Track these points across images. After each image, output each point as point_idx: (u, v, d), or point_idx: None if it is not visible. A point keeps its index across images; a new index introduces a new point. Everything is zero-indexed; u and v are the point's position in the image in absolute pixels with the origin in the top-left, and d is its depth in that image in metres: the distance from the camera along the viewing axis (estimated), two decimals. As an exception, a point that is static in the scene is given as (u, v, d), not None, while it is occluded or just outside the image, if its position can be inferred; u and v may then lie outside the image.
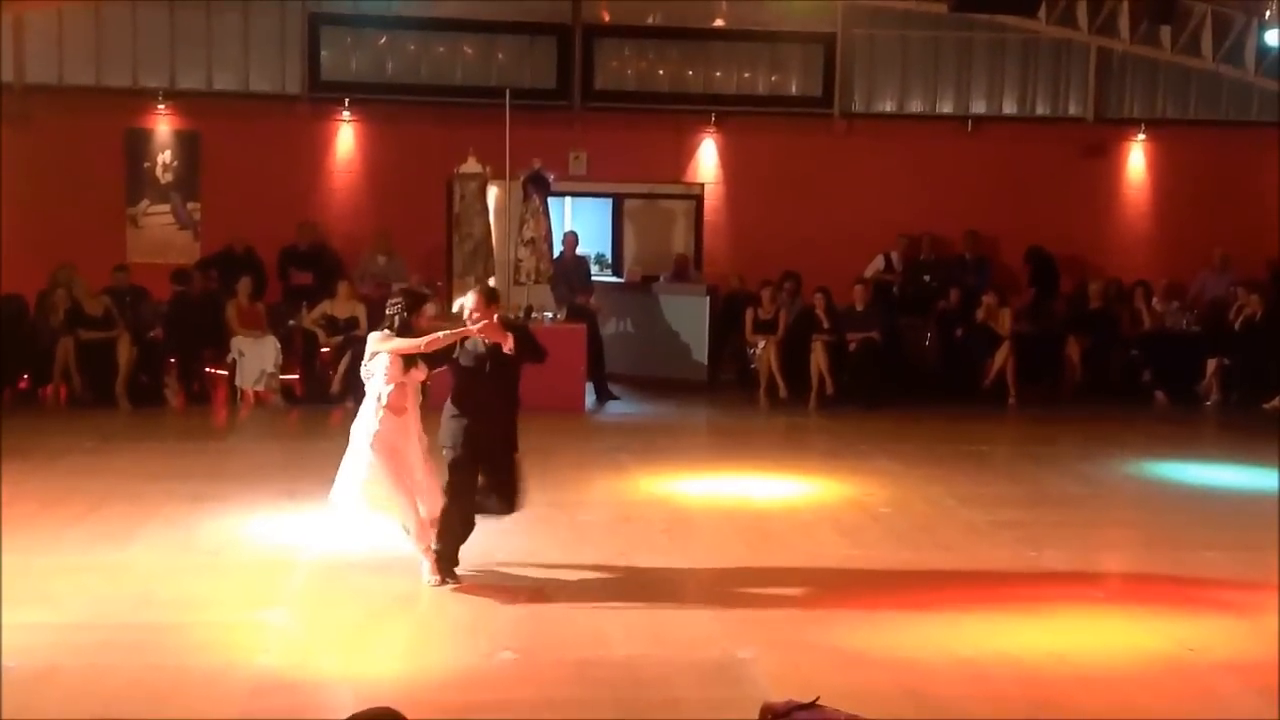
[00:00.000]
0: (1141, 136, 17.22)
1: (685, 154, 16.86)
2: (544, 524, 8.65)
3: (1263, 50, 16.04)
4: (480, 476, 7.63)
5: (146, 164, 16.02)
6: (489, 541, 8.53)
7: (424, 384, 7.76)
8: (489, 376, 7.63)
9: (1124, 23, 16.52)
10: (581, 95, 16.48)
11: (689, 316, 15.69)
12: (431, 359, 7.59)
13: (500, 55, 16.46)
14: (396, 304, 7.70)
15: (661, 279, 16.41)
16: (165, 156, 16.05)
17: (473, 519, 7.63)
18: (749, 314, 15.18)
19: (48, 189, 15.21)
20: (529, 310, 14.43)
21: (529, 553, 8.17)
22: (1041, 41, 16.98)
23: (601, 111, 16.46)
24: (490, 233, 14.91)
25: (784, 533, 9.00)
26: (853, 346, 14.67)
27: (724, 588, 7.71)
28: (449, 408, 7.61)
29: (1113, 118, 17.18)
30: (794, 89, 17.01)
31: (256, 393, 13.95)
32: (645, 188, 17.13)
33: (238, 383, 13.95)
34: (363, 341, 14.18)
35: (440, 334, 7.59)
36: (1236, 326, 15.37)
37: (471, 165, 14.70)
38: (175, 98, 15.93)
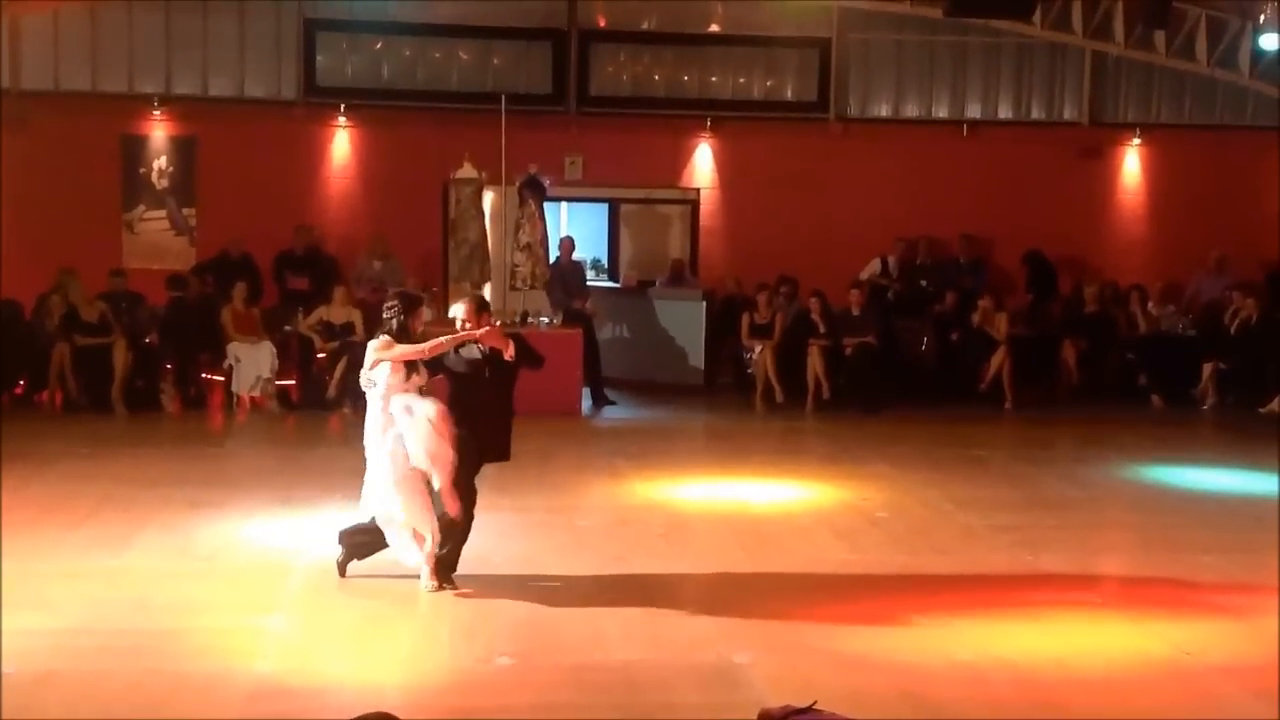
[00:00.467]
0: (1137, 140, 17.24)
1: (681, 158, 16.87)
2: (541, 528, 8.65)
3: (1257, 54, 16.07)
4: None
5: (142, 169, 16.01)
6: (487, 546, 8.53)
7: (420, 389, 7.75)
8: (487, 383, 7.62)
9: (1119, 26, 16.55)
10: (577, 100, 16.49)
11: (685, 321, 15.70)
12: (432, 364, 7.58)
13: (496, 60, 16.47)
14: (393, 307, 7.66)
15: (657, 283, 16.42)
16: (161, 162, 16.05)
17: (470, 525, 7.62)
18: (745, 318, 15.19)
19: (44, 194, 15.20)
20: (525, 315, 14.44)
21: (526, 557, 8.16)
22: (1036, 45, 17.00)
23: (597, 116, 16.47)
24: (486, 237, 14.91)
25: (781, 537, 9.00)
26: (849, 350, 14.68)
27: (721, 592, 7.71)
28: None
29: (1108, 121, 17.20)
30: (789, 93, 17.03)
31: (253, 398, 13.94)
32: (641, 192, 17.14)
33: (234, 388, 13.94)
34: (359, 346, 14.25)
35: (444, 338, 7.58)
36: (1232, 330, 15.38)
37: (467, 170, 14.70)
38: (171, 103, 15.93)
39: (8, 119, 15.16)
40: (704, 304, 15.67)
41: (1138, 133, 17.20)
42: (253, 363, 13.92)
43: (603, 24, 16.54)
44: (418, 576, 7.58)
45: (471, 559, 8.21)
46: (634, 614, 7.28)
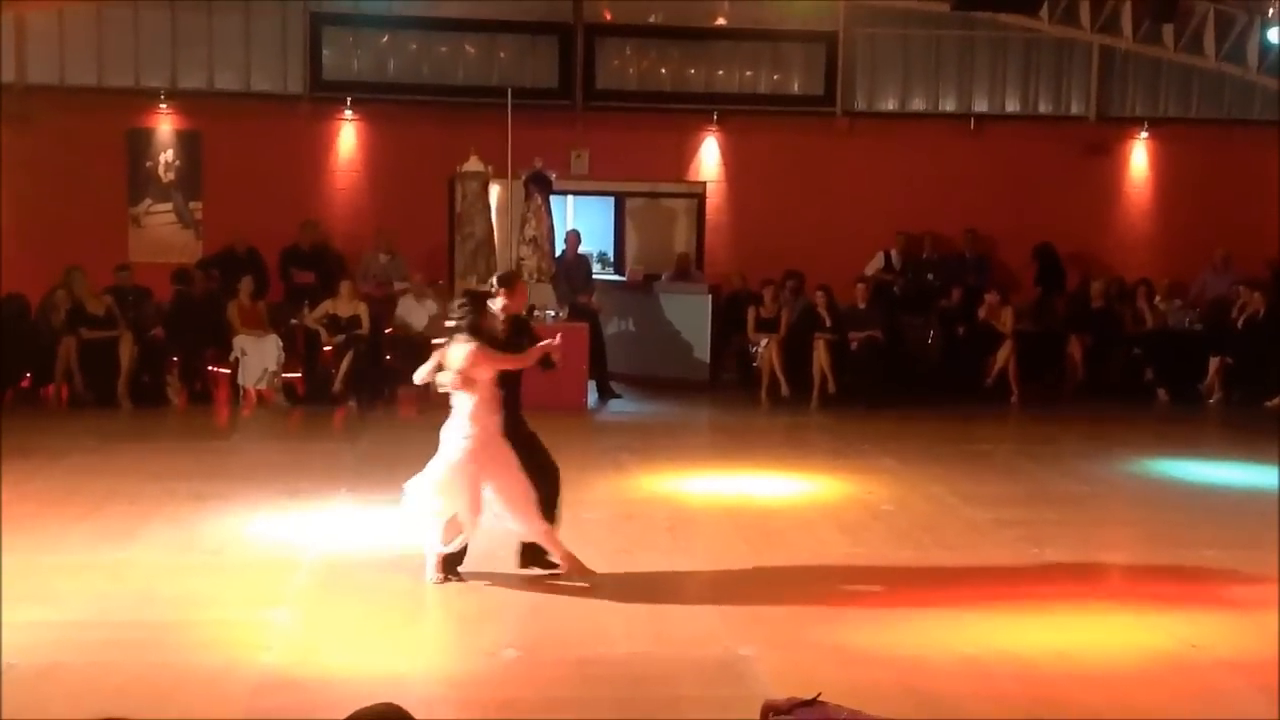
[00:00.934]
0: (1144, 135, 17.21)
1: (687, 153, 16.86)
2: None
3: (1265, 48, 16.02)
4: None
5: (148, 164, 16.03)
6: (491, 540, 8.54)
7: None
8: (519, 384, 7.75)
9: (1126, 21, 16.51)
10: (583, 94, 16.48)
11: (691, 315, 15.69)
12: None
13: (502, 54, 16.46)
14: (463, 306, 7.58)
15: (663, 278, 16.41)
16: (167, 156, 16.06)
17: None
18: (751, 313, 15.19)
19: (49, 189, 15.23)
20: (530, 309, 14.43)
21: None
22: (1044, 40, 16.97)
23: (603, 110, 16.46)
24: (492, 232, 14.92)
25: (786, 531, 9.00)
26: (855, 345, 14.67)
27: (726, 586, 7.71)
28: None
29: (1115, 116, 17.17)
30: (796, 88, 17.01)
31: (258, 392, 13.95)
32: (647, 186, 17.13)
33: (240, 382, 13.95)
34: (364, 340, 14.32)
35: (536, 349, 7.70)
36: (1239, 325, 15.36)
37: (473, 164, 14.71)
38: (177, 97, 15.94)
39: (13, 114, 15.18)
40: (709, 298, 15.66)
41: (1145, 127, 17.17)
42: (259, 356, 13.94)
43: (608, 18, 16.52)
44: (423, 570, 7.59)
45: (476, 553, 8.22)
46: (639, 608, 7.29)
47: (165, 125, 16.07)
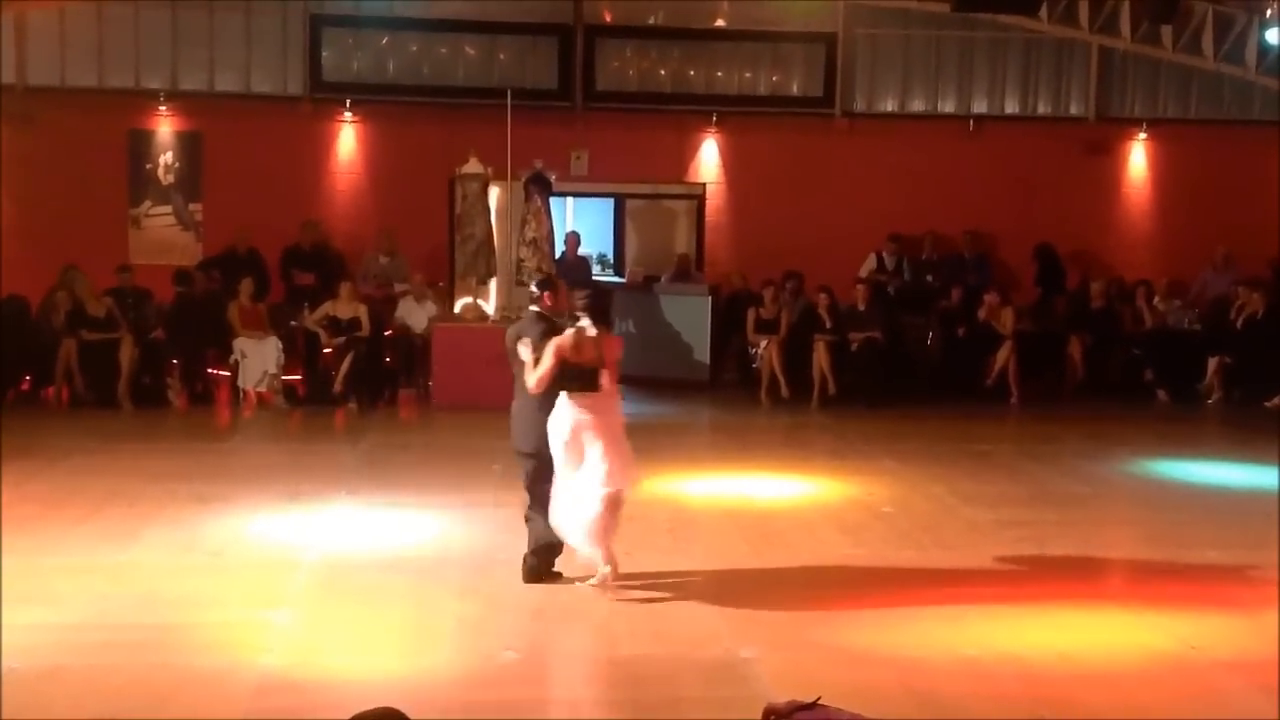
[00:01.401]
0: (1143, 135, 17.21)
1: (687, 154, 16.86)
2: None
3: (1264, 49, 16.02)
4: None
5: (148, 165, 16.03)
6: (492, 541, 8.55)
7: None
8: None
9: (1125, 22, 16.50)
10: (583, 95, 16.48)
11: (691, 316, 15.69)
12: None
13: (502, 55, 16.46)
14: (590, 297, 7.68)
15: (663, 279, 16.41)
16: (167, 157, 16.07)
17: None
18: (751, 314, 15.19)
19: (50, 190, 15.24)
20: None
21: (532, 552, 8.16)
22: (1043, 41, 16.97)
23: (603, 111, 16.46)
24: (492, 233, 14.92)
25: (786, 532, 9.00)
26: (855, 346, 14.67)
27: (727, 587, 7.71)
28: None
29: (1114, 117, 17.17)
30: (795, 89, 17.01)
31: (259, 393, 13.95)
32: (647, 188, 17.13)
33: (240, 383, 13.96)
34: (364, 341, 14.35)
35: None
36: (1238, 325, 15.36)
37: (473, 165, 14.71)
38: (177, 98, 15.94)
39: (13, 115, 15.19)
40: (709, 299, 15.66)
41: (1144, 128, 17.16)
42: (259, 358, 13.94)
43: (608, 19, 16.52)
44: (415, 570, 7.60)
45: (478, 555, 8.24)
46: (639, 609, 7.30)
47: (165, 126, 16.07)
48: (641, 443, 12.15)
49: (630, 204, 17.34)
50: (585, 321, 7.51)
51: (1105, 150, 17.15)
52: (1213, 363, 15.15)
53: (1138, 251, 17.05)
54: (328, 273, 15.10)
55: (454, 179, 15.24)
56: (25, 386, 14.02)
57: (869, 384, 14.47)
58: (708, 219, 16.94)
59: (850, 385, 14.54)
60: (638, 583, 7.69)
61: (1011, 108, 17.12)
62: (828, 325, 14.79)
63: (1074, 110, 17.14)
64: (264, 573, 7.79)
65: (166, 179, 16.07)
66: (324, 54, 16.19)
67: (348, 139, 16.36)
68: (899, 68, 16.96)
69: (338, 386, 13.93)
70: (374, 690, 5.90)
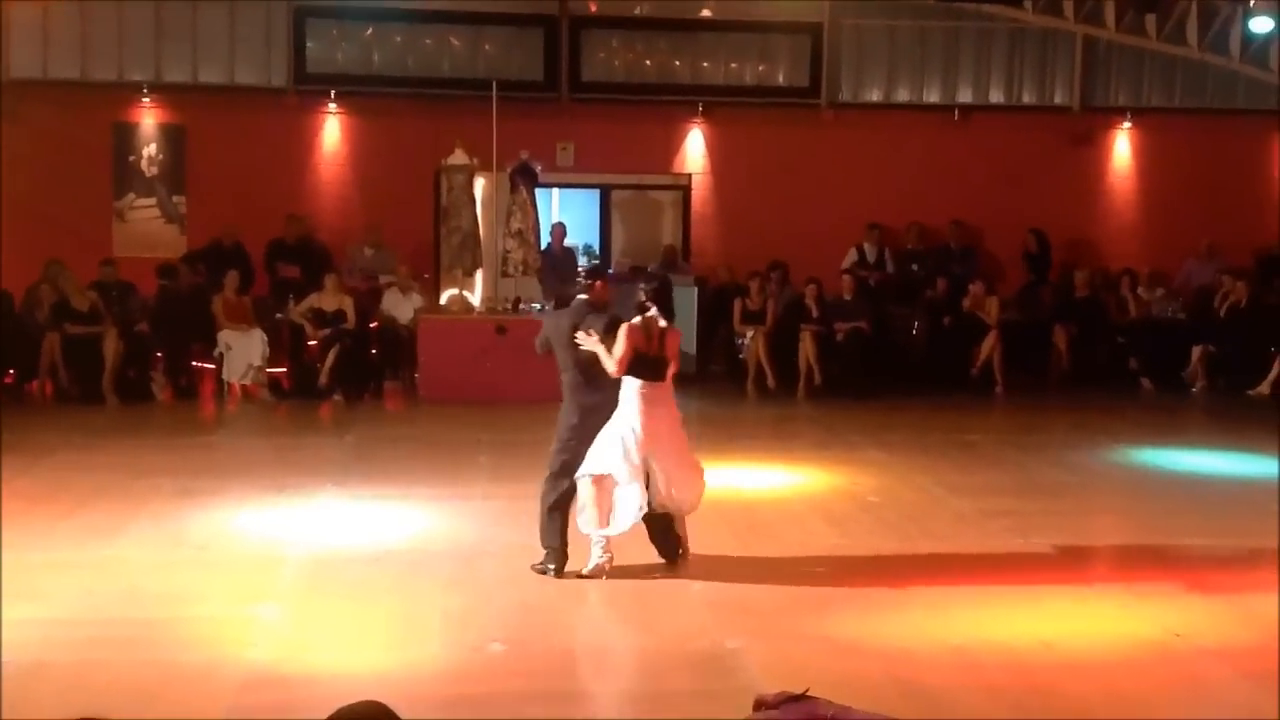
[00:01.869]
0: (1127, 125, 17.24)
1: (673, 145, 16.85)
2: (535, 517, 8.62)
3: (1248, 38, 16.07)
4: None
5: (132, 158, 15.96)
6: (479, 533, 8.56)
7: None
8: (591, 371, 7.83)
9: (1110, 11, 16.54)
10: (569, 86, 16.45)
11: (677, 307, 15.56)
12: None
13: (487, 47, 16.42)
14: (653, 287, 7.84)
15: (650, 270, 16.38)
16: (151, 150, 16.00)
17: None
18: (737, 305, 15.19)
19: (33, 183, 15.14)
20: (516, 302, 14.44)
21: (520, 545, 8.15)
22: (1028, 31, 16.98)
23: (589, 103, 16.43)
24: (478, 225, 14.90)
25: (773, 523, 9.01)
26: (841, 336, 14.69)
27: (714, 578, 7.72)
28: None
29: (1099, 106, 17.19)
30: (781, 79, 17.00)
31: (244, 387, 13.92)
32: (633, 179, 17.11)
33: (225, 377, 13.92)
34: (350, 334, 14.34)
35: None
36: (1222, 314, 15.43)
37: (459, 157, 14.68)
38: (161, 91, 15.87)
39: (-2, 109, 15.12)
40: (696, 290, 15.65)
41: (1128, 117, 17.19)
42: (244, 351, 13.90)
43: (594, 10, 16.47)
44: (402, 563, 7.58)
45: (465, 547, 8.24)
46: (626, 601, 7.31)
47: (149, 119, 16.00)
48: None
49: (616, 195, 17.32)
50: (654, 310, 7.61)
51: (1090, 140, 17.18)
52: (1197, 352, 15.20)
53: (1122, 241, 17.09)
54: (313, 265, 15.06)
55: (439, 171, 15.21)
56: (9, 381, 13.95)
57: (855, 374, 14.49)
58: (694, 210, 16.93)
59: (836, 376, 14.56)
60: (625, 574, 7.69)
61: (997, 98, 17.12)
62: (815, 316, 14.80)
63: (1059, 100, 17.16)
64: (250, 567, 7.77)
65: (150, 171, 16.00)
66: (308, 46, 16.13)
67: (332, 131, 16.32)
68: (884, 58, 16.96)
69: (323, 379, 13.90)
70: (361, 684, 5.88)
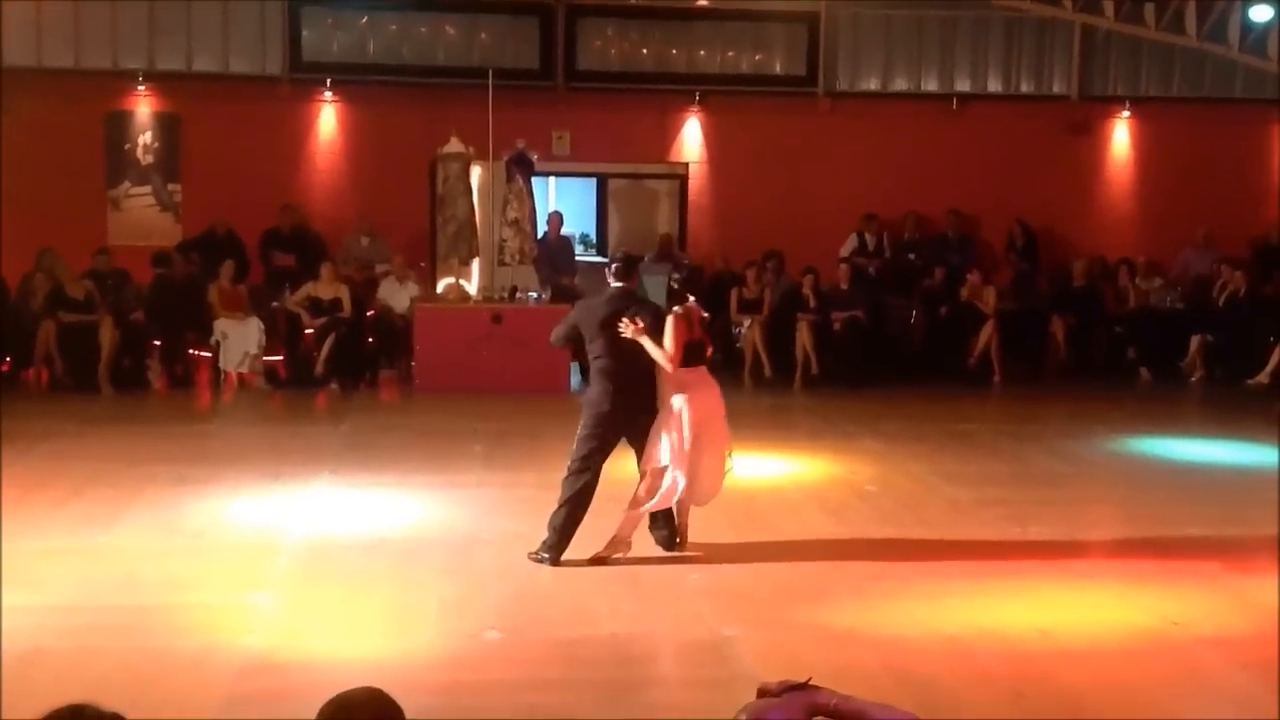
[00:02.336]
0: (1125, 114, 17.22)
1: (669, 134, 16.81)
2: (530, 505, 8.63)
3: (1246, 27, 16.04)
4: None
5: (127, 146, 15.91)
6: (477, 522, 8.55)
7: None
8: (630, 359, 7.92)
9: (1108, 0, 16.50)
10: (565, 75, 16.41)
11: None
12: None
13: (483, 35, 16.36)
14: (684, 278, 8.06)
15: (646, 259, 16.35)
16: (145, 138, 15.95)
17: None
18: (734, 294, 15.17)
19: (28, 172, 15.07)
20: (513, 291, 14.41)
21: (515, 533, 8.16)
22: (1026, 19, 16.94)
23: (585, 91, 16.39)
24: (474, 214, 14.85)
25: (770, 512, 9.01)
26: (837, 326, 14.68)
27: (710, 566, 7.72)
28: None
29: (1097, 95, 17.16)
30: (778, 68, 16.95)
31: (240, 375, 13.90)
32: (629, 168, 17.08)
33: (221, 365, 13.90)
34: (346, 323, 14.32)
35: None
36: (1220, 303, 15.42)
37: (454, 146, 14.64)
38: (155, 79, 15.81)
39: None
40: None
41: (1127, 106, 17.16)
42: (240, 339, 13.88)
43: (590, -4, 16.45)
44: (397, 551, 7.57)
45: (461, 535, 8.24)
46: (622, 589, 7.30)
47: (144, 107, 15.95)
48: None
49: (613, 184, 17.30)
50: (692, 299, 7.90)
51: (1088, 129, 17.15)
52: (1195, 341, 15.20)
53: (1120, 230, 17.07)
54: (308, 254, 15.03)
55: (435, 159, 15.17)
56: (4, 369, 13.94)
57: (852, 364, 14.48)
58: (690, 199, 16.90)
59: (833, 365, 14.55)
60: (621, 562, 7.69)
61: (994, 87, 17.08)
62: (811, 305, 14.79)
63: (1057, 89, 17.12)
64: (246, 554, 7.76)
65: (145, 160, 15.95)
66: (303, 34, 16.06)
67: (328, 119, 16.27)
68: (882, 47, 16.92)
69: (319, 368, 13.89)
70: (356, 671, 5.87)
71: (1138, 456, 11.28)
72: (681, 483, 7.66)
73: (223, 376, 13.89)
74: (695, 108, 16.70)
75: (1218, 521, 8.82)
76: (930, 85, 17.01)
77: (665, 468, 7.64)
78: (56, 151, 15.30)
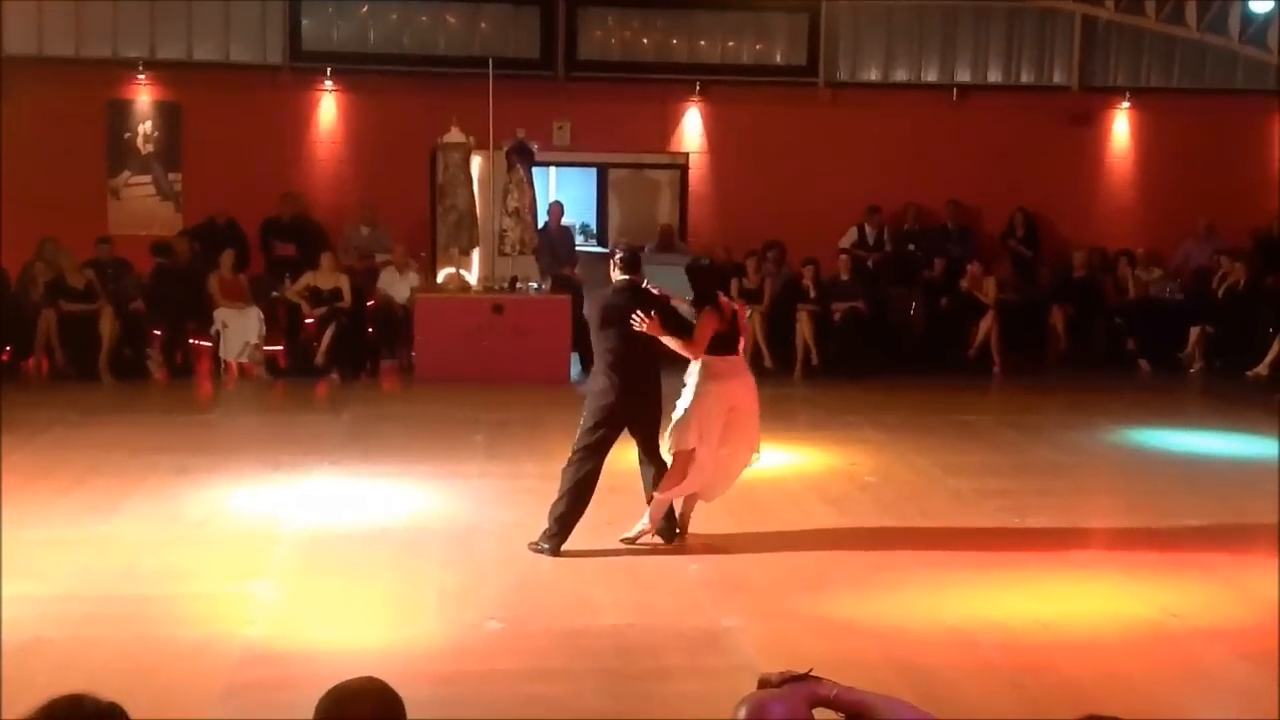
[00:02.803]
0: (1126, 105, 17.20)
1: (670, 124, 16.79)
2: (532, 495, 8.64)
3: (1247, 18, 16.02)
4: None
5: (127, 135, 15.89)
6: (475, 511, 8.56)
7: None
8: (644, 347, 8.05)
9: (1109, -10, 16.50)
10: (565, 65, 16.39)
11: (674, 286, 15.59)
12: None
13: (483, 24, 16.34)
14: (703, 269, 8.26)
15: (646, 249, 16.33)
16: (146, 127, 15.93)
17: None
18: (734, 284, 15.15)
19: (28, 161, 15.04)
20: (513, 281, 14.41)
21: (516, 523, 8.16)
22: (1026, 10, 16.92)
23: (585, 81, 16.37)
24: (474, 203, 14.85)
25: (770, 502, 9.01)
26: (837, 316, 14.68)
27: (711, 557, 7.73)
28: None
29: (1097, 86, 17.14)
30: (779, 58, 16.94)
31: (240, 365, 13.90)
32: (630, 158, 17.06)
33: (221, 355, 13.89)
34: (346, 312, 14.33)
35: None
36: (1220, 294, 15.41)
37: (455, 135, 14.62)
38: (156, 68, 15.79)
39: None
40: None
41: (1127, 97, 17.14)
42: (240, 329, 13.88)
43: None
44: (398, 541, 7.57)
45: (461, 525, 8.24)
46: (623, 579, 7.31)
47: (144, 96, 15.93)
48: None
49: (613, 174, 17.27)
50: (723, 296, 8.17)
51: (1088, 120, 17.13)
52: (1194, 332, 15.19)
53: (1120, 221, 17.06)
54: (309, 243, 15.02)
55: (436, 149, 15.15)
56: (5, 358, 13.92)
57: (852, 354, 14.48)
58: (691, 189, 16.89)
59: (833, 356, 14.55)
60: (622, 553, 7.70)
61: (995, 77, 17.07)
62: (812, 296, 14.78)
63: (1057, 80, 17.11)
64: (246, 544, 7.77)
65: (146, 149, 15.93)
66: (304, 23, 16.05)
67: (328, 109, 16.25)
68: (882, 37, 16.89)
69: (320, 358, 13.88)
70: (357, 661, 5.89)
71: (1137, 448, 11.28)
72: (709, 469, 7.79)
73: (223, 366, 13.88)
74: (696, 98, 16.68)
75: (1217, 513, 8.82)
76: (931, 76, 16.99)
77: (693, 450, 7.70)
78: (57, 140, 15.28)
